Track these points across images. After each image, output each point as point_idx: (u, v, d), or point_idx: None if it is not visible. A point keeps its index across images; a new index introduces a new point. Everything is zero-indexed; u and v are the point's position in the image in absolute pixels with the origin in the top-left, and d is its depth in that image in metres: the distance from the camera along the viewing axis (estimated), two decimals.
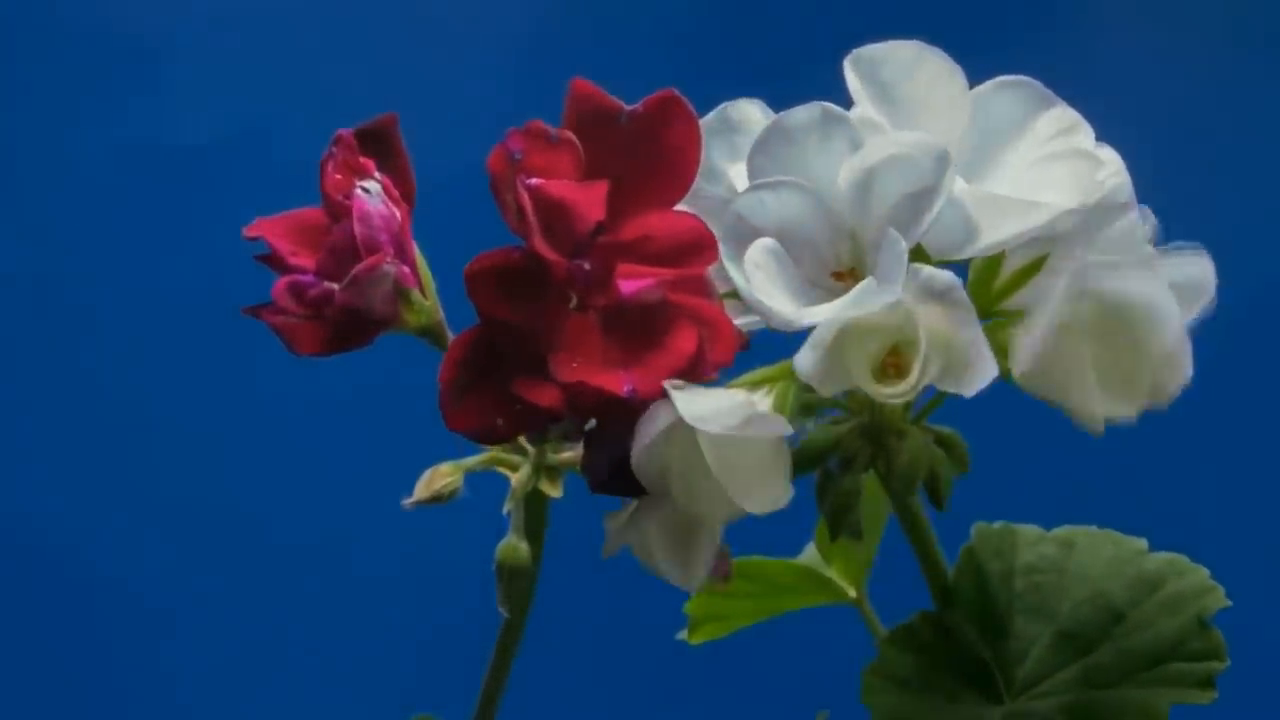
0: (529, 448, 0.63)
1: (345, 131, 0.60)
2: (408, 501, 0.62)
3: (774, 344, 0.56)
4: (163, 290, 1.46)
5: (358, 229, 0.58)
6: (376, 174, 0.60)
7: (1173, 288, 0.54)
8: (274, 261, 0.59)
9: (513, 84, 1.44)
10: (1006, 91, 0.57)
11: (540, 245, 0.55)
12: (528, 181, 0.55)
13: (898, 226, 0.52)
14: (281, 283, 0.59)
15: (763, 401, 0.55)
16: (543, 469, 0.62)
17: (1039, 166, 0.56)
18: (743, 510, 0.55)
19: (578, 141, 0.57)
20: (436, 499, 0.62)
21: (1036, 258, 0.56)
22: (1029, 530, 0.63)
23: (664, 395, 0.54)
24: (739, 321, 0.57)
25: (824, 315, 0.51)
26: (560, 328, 0.55)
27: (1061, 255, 0.55)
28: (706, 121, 0.59)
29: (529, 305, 0.56)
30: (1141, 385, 0.54)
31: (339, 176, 0.59)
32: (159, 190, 1.49)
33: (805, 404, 0.56)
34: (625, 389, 0.54)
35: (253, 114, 1.49)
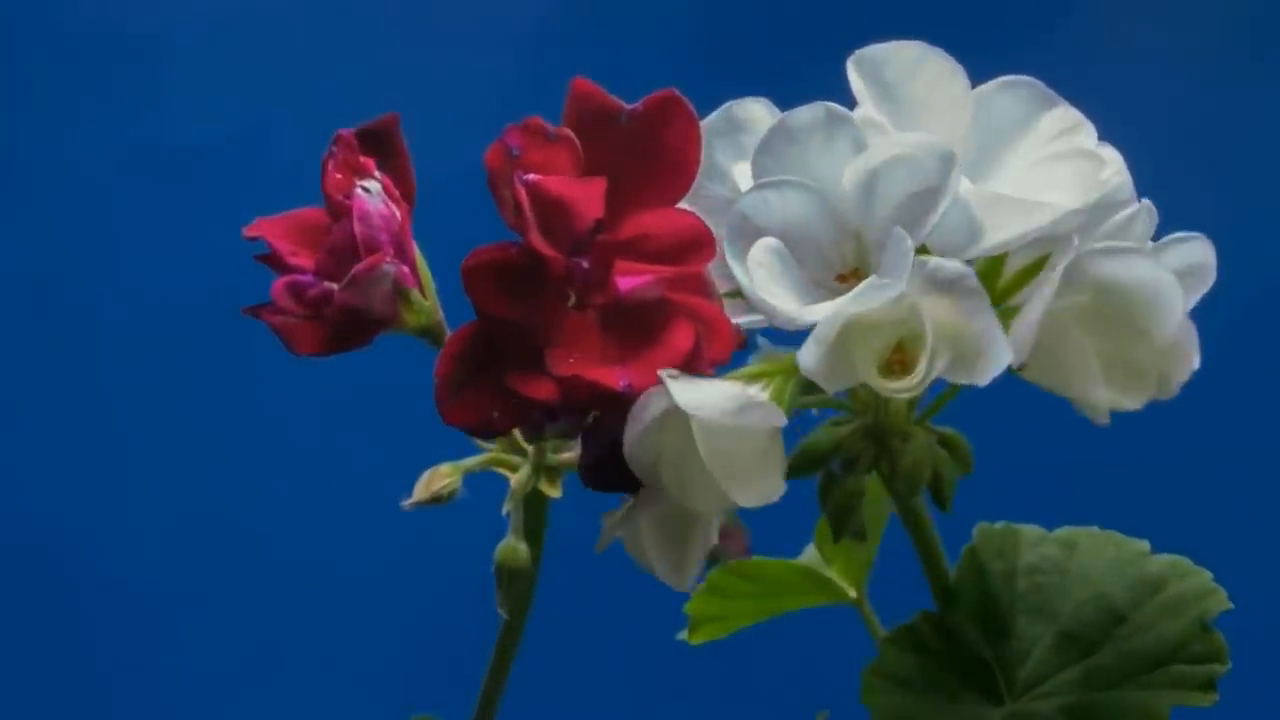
0: (528, 448, 0.62)
1: (346, 131, 0.60)
2: (407, 502, 0.62)
3: (776, 343, 0.56)
4: (163, 290, 1.46)
5: (358, 228, 0.58)
6: (376, 173, 0.60)
7: (1175, 274, 0.54)
8: (273, 261, 0.59)
9: (513, 83, 1.44)
10: (1009, 91, 0.57)
11: (537, 241, 0.55)
12: (525, 177, 0.55)
13: (904, 225, 0.52)
14: (280, 282, 0.58)
15: (759, 394, 0.55)
16: (542, 469, 0.62)
17: (1042, 166, 0.56)
18: (734, 504, 0.55)
19: (576, 139, 0.57)
20: (436, 500, 0.62)
21: (1039, 257, 0.56)
22: (1031, 531, 0.63)
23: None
24: (742, 320, 0.57)
25: (827, 312, 0.51)
26: (558, 324, 0.55)
27: (1064, 254, 0.55)
28: (711, 120, 0.59)
29: (526, 301, 0.56)
30: (1148, 376, 0.54)
31: (339, 176, 0.59)
32: (159, 190, 1.49)
33: (804, 400, 0.56)
34: (621, 383, 0.54)
35: (253, 114, 1.49)
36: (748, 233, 0.53)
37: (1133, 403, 0.55)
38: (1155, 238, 0.56)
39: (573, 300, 0.56)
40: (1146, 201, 0.56)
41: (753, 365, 0.57)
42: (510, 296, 0.56)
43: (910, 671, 0.60)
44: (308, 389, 1.41)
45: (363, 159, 0.60)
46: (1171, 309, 0.53)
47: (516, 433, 0.63)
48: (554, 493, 0.62)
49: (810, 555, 0.72)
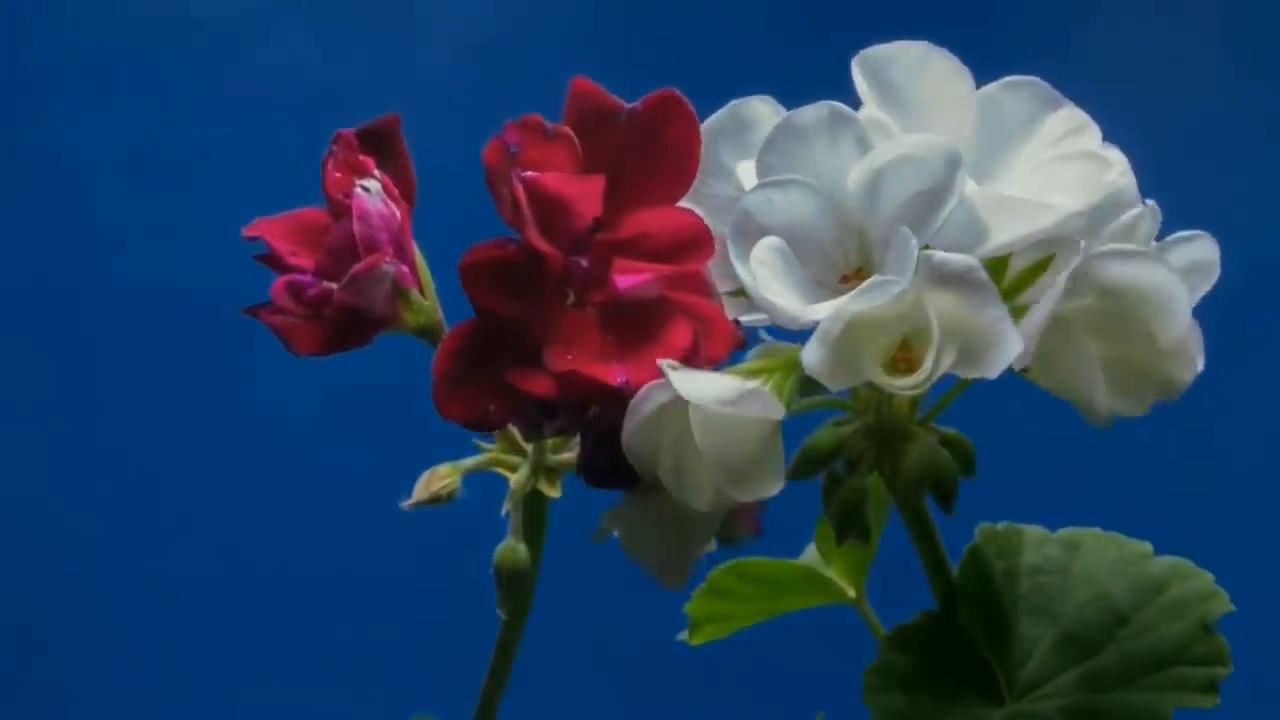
0: (527, 448, 0.62)
1: (346, 130, 0.60)
2: (406, 503, 0.62)
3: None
4: (162, 290, 1.46)
5: (357, 227, 0.58)
6: (376, 172, 0.60)
7: (1180, 272, 0.54)
8: (273, 261, 0.59)
9: (514, 83, 1.44)
10: (1014, 92, 0.57)
11: (535, 238, 0.55)
12: (522, 174, 0.55)
13: (908, 225, 0.52)
14: (280, 282, 0.58)
15: (759, 386, 0.55)
16: (541, 469, 0.62)
17: (1048, 168, 0.56)
18: (731, 499, 0.55)
19: (575, 137, 0.57)
20: (435, 500, 0.62)
21: (1043, 258, 0.55)
22: (1034, 531, 0.63)
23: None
24: (745, 318, 0.57)
25: (830, 310, 0.51)
26: (555, 321, 0.55)
27: (1068, 255, 0.55)
28: (716, 119, 0.59)
29: (524, 298, 0.56)
30: (1151, 381, 0.54)
31: (339, 175, 0.59)
32: (159, 190, 1.48)
33: (805, 402, 0.56)
34: (618, 379, 0.54)
35: (252, 114, 1.49)
36: (751, 231, 0.53)
37: (1135, 408, 0.55)
38: (1158, 237, 0.56)
39: (571, 298, 0.56)
40: (1151, 203, 0.56)
41: (752, 361, 0.57)
42: (508, 293, 0.56)
43: (911, 671, 0.60)
44: (307, 389, 1.41)
45: (362, 158, 0.60)
46: (1178, 312, 0.53)
47: (516, 433, 0.63)
48: (553, 493, 0.62)
49: (810, 555, 0.72)
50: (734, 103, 0.59)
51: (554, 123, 0.57)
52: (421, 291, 0.60)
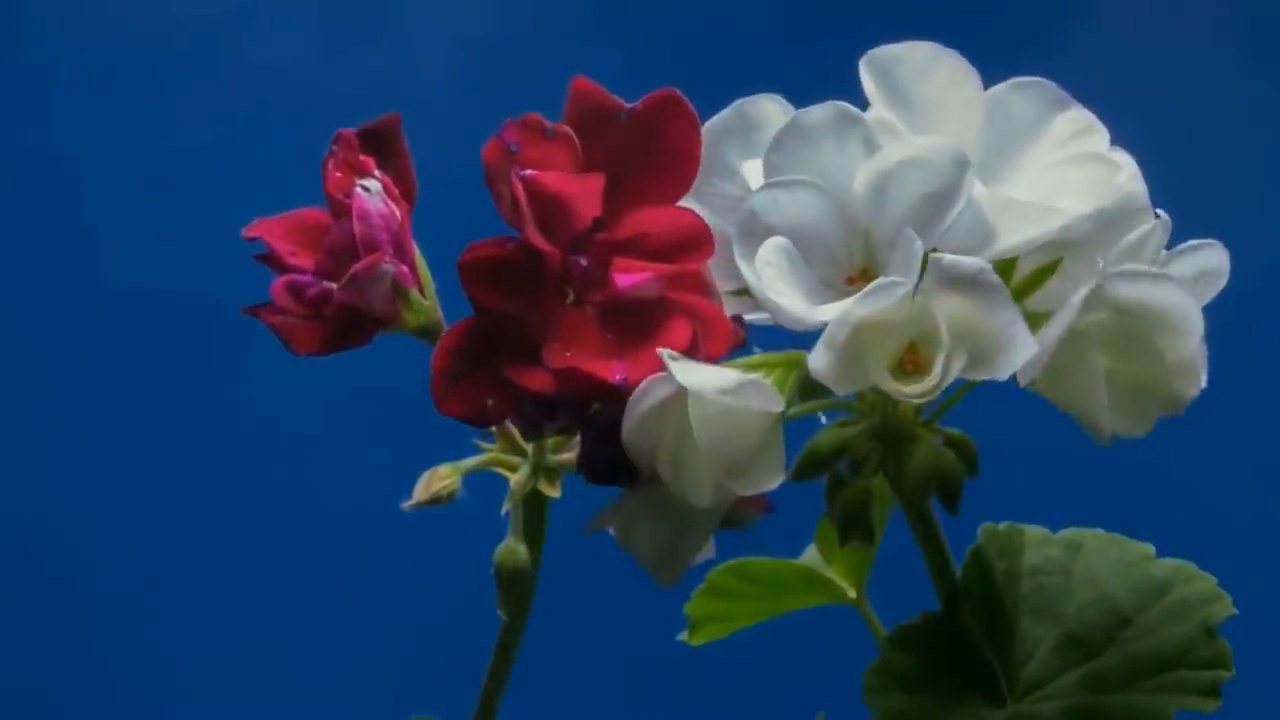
0: (527, 448, 0.62)
1: (346, 130, 0.60)
2: (407, 504, 0.62)
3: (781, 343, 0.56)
4: (162, 290, 1.46)
5: (357, 227, 0.58)
6: (376, 172, 0.60)
7: (1189, 280, 0.54)
8: (273, 261, 0.59)
9: (514, 83, 1.44)
10: (1022, 92, 0.57)
11: (534, 236, 0.55)
12: (521, 172, 0.55)
13: (916, 227, 0.52)
14: (280, 282, 0.58)
15: (760, 377, 0.55)
16: (541, 470, 0.62)
17: (1056, 170, 0.55)
18: (730, 493, 0.55)
19: (574, 136, 0.57)
20: (435, 501, 0.62)
21: (1050, 261, 0.55)
22: (1036, 531, 0.62)
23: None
24: (750, 316, 0.57)
25: (835, 313, 0.51)
26: (554, 319, 0.55)
27: (1075, 259, 0.55)
28: (721, 118, 0.58)
29: (523, 296, 0.56)
30: (1157, 396, 0.54)
31: (339, 175, 0.59)
32: (159, 190, 1.48)
33: (808, 405, 0.56)
34: (617, 376, 0.54)
35: (251, 114, 1.49)
36: (757, 232, 0.53)
37: (1137, 427, 0.55)
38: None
39: (571, 297, 0.56)
40: (1164, 216, 0.55)
41: (753, 357, 0.57)
42: (507, 291, 0.56)
43: (912, 672, 0.60)
44: (307, 389, 1.41)
45: (363, 158, 0.60)
46: (1191, 333, 0.53)
47: (516, 432, 0.63)
48: (553, 493, 0.62)
49: (810, 555, 0.72)
50: (740, 101, 0.59)
51: (554, 122, 0.57)
52: (421, 291, 0.60)
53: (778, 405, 0.54)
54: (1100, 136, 0.56)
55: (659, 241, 0.56)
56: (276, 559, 1.43)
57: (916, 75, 0.56)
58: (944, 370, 0.51)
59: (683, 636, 0.73)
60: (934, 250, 0.53)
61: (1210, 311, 0.55)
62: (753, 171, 0.56)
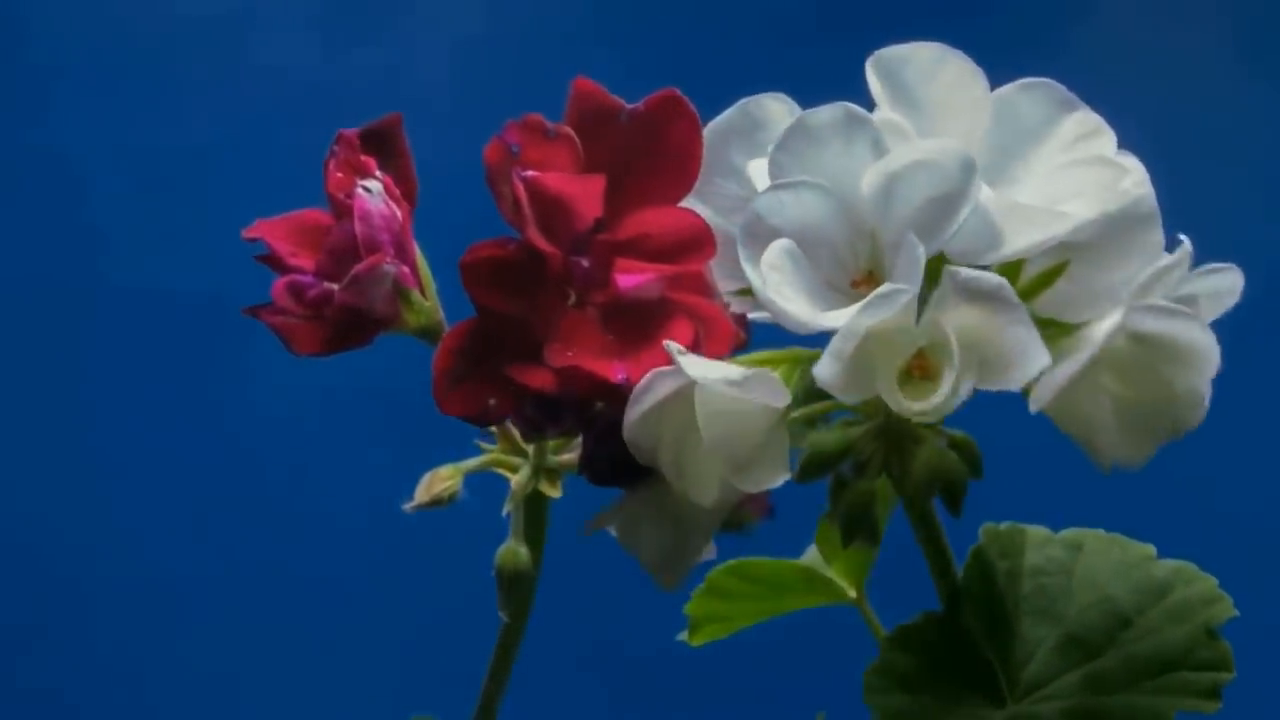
0: (528, 449, 0.62)
1: (348, 130, 0.60)
2: (409, 506, 0.62)
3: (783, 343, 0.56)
4: (162, 291, 1.46)
5: (358, 228, 0.58)
6: (378, 173, 0.60)
7: (1203, 297, 0.54)
8: (273, 262, 0.59)
9: (515, 83, 1.44)
10: (1029, 94, 0.56)
11: (536, 237, 0.55)
12: (523, 173, 0.56)
13: (922, 230, 0.52)
14: (281, 283, 0.58)
15: (766, 372, 0.55)
16: (542, 470, 0.62)
17: (1062, 173, 0.55)
18: (735, 492, 0.54)
19: (576, 137, 0.57)
20: (437, 502, 0.62)
21: (1057, 264, 0.55)
22: (1037, 531, 0.62)
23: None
24: (753, 315, 0.57)
25: (840, 320, 0.51)
26: (557, 321, 0.56)
27: (1083, 261, 0.55)
28: (726, 117, 0.58)
29: (524, 296, 0.56)
30: (1161, 424, 0.55)
31: (340, 175, 0.59)
32: (159, 190, 1.48)
33: (812, 409, 0.56)
34: (619, 376, 0.54)
35: (252, 114, 1.49)
36: (762, 234, 0.53)
37: (1137, 458, 0.55)
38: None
39: (572, 298, 0.56)
40: (1187, 246, 0.55)
41: (758, 353, 0.57)
42: (508, 292, 0.56)
43: (912, 671, 0.60)
44: (309, 390, 1.41)
45: (364, 158, 0.60)
46: (1208, 369, 0.54)
47: (517, 434, 0.63)
48: (554, 493, 0.62)
49: (811, 555, 0.72)
50: (744, 101, 0.58)
51: (555, 123, 0.57)
52: (422, 292, 0.60)
53: (784, 400, 0.54)
54: (1108, 139, 0.56)
55: (660, 242, 0.56)
56: (277, 559, 1.43)
57: (923, 76, 0.56)
58: (953, 389, 0.51)
59: (683, 636, 0.73)
60: (943, 256, 0.53)
61: None
62: (758, 171, 0.56)
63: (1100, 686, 0.59)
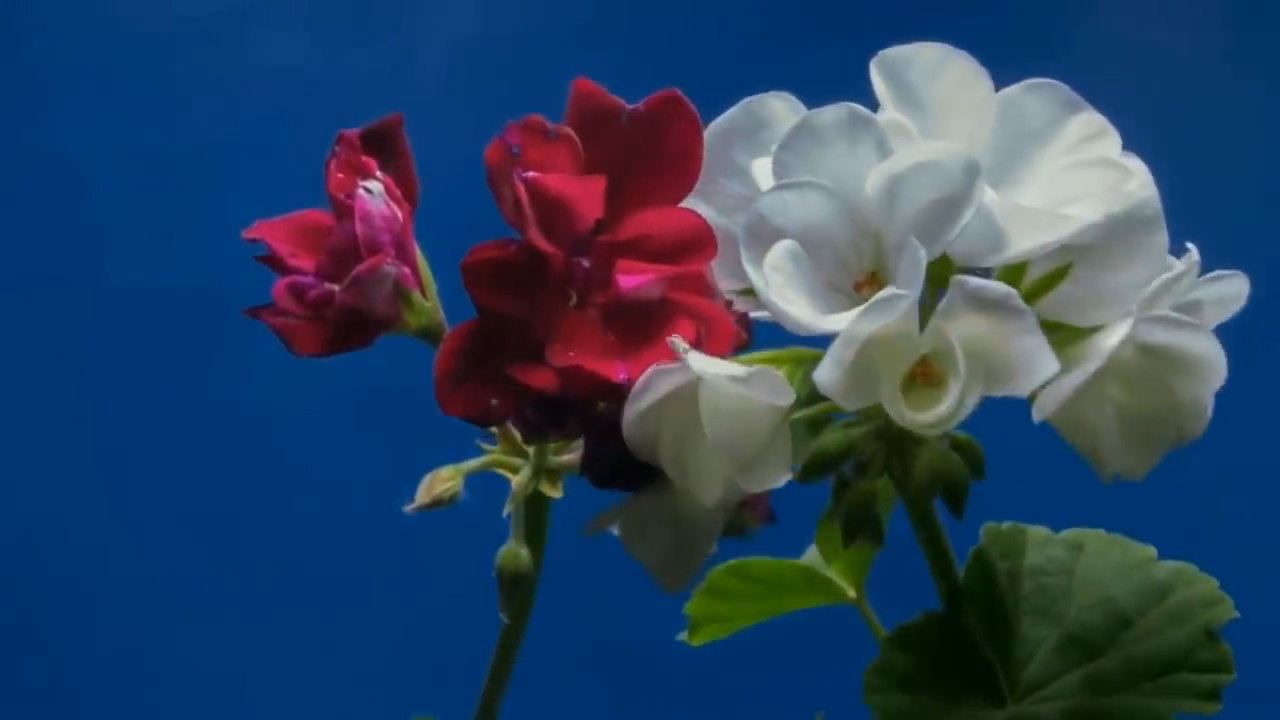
0: (529, 450, 0.62)
1: (349, 131, 0.60)
2: (410, 507, 0.62)
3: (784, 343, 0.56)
4: (162, 291, 1.46)
5: (359, 229, 0.58)
6: (379, 173, 0.60)
7: (1209, 304, 0.55)
8: (274, 263, 0.59)
9: (515, 83, 1.44)
10: (1034, 94, 0.56)
11: (536, 238, 0.55)
12: (523, 174, 0.56)
13: (925, 232, 0.52)
14: (282, 283, 0.58)
15: (770, 369, 0.55)
16: (543, 471, 0.62)
17: (1067, 174, 0.55)
18: (738, 492, 0.54)
19: (576, 138, 0.57)
20: (437, 503, 0.62)
21: (1061, 266, 0.55)
22: (1038, 531, 0.62)
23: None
24: (755, 314, 0.57)
25: (842, 324, 0.51)
26: (558, 322, 0.56)
27: (1086, 263, 0.55)
28: (729, 116, 0.58)
29: (525, 297, 0.56)
30: (1163, 436, 0.55)
31: (341, 175, 0.59)
32: (159, 190, 1.48)
33: (814, 410, 0.56)
34: (620, 376, 0.54)
35: (252, 114, 1.49)
36: (765, 235, 0.53)
37: (1139, 469, 0.55)
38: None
39: (573, 299, 0.56)
40: (1194, 255, 0.55)
41: (760, 353, 0.57)
42: (510, 293, 0.56)
43: (912, 671, 0.60)
44: (310, 390, 1.41)
45: (365, 159, 0.60)
46: (1213, 381, 0.54)
47: (518, 434, 0.63)
48: (555, 494, 0.62)
49: (810, 555, 0.72)
50: (748, 100, 0.58)
51: (556, 123, 0.57)
52: (423, 293, 0.60)
53: (788, 398, 0.54)
54: (1112, 141, 0.56)
55: (661, 243, 0.56)
56: (277, 559, 1.43)
57: (927, 76, 0.56)
58: (959, 399, 0.51)
59: (683, 637, 0.73)
60: (947, 258, 0.53)
61: None
62: (761, 170, 0.55)
63: (1100, 687, 0.59)
